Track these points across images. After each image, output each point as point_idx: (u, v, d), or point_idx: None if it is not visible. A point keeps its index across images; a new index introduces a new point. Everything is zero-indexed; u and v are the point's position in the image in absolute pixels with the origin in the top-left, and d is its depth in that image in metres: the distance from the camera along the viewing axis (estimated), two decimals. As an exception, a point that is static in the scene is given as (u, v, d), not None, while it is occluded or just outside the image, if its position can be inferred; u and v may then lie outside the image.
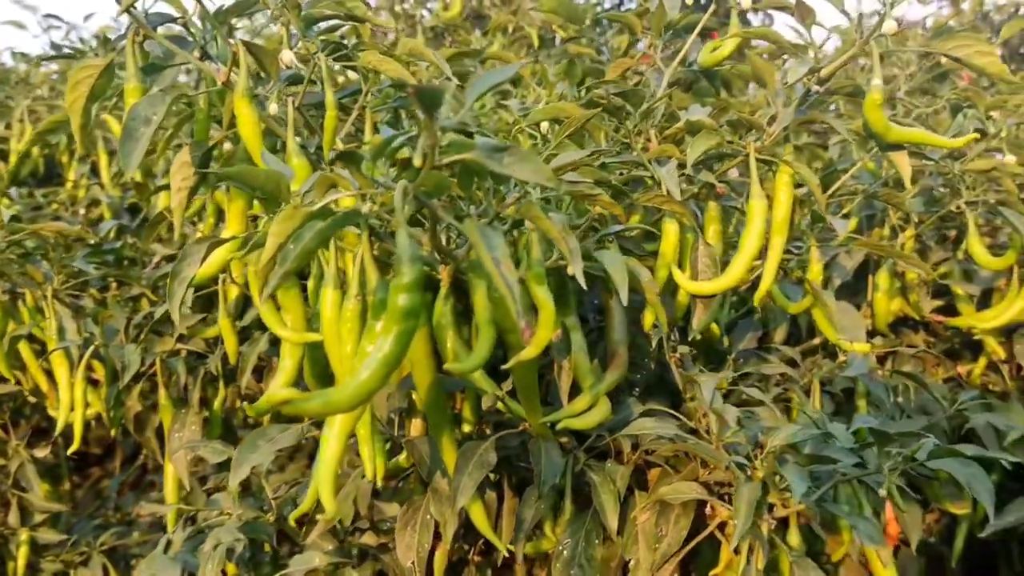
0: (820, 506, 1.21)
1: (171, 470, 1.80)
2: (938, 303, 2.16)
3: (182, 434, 1.78)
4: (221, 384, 1.83)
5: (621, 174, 1.33)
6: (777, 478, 1.21)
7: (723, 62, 1.57)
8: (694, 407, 1.28)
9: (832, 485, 1.23)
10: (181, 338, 1.84)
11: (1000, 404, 2.15)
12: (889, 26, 1.17)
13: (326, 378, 1.17)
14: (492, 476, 1.29)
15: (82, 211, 2.76)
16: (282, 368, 1.19)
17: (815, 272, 1.64)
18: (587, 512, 1.27)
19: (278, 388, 1.18)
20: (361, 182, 0.89)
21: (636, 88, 1.41)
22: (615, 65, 1.63)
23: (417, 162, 0.80)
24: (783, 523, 1.26)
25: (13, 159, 2.87)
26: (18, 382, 1.94)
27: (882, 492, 1.21)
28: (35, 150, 2.95)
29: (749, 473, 1.17)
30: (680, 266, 1.34)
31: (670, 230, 1.31)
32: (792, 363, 1.68)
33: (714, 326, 1.63)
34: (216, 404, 1.85)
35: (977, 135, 1.26)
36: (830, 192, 1.68)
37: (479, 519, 1.23)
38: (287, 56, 1.25)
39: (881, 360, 2.22)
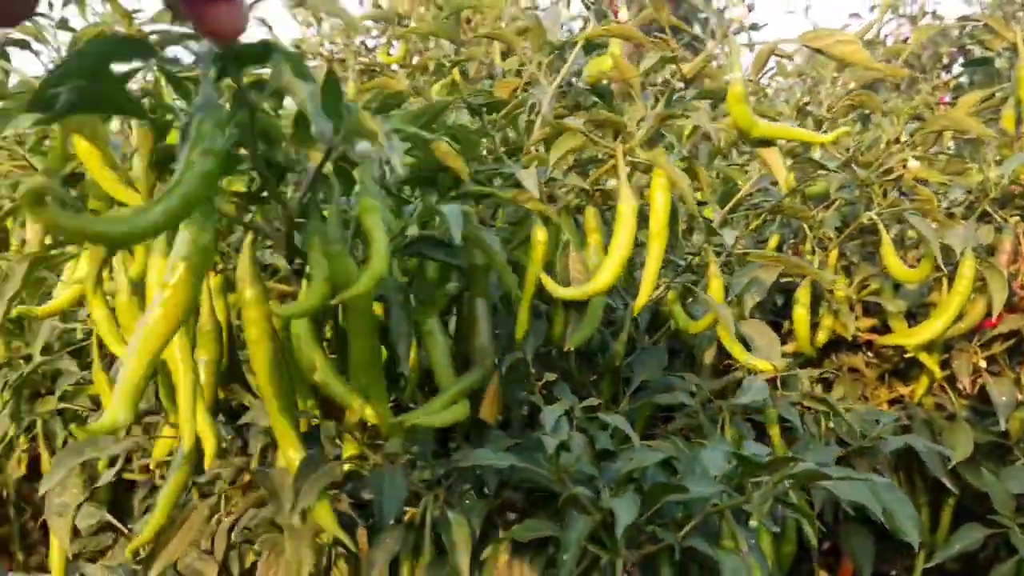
0: (685, 541, 1.15)
1: (54, 539, 1.74)
2: (873, 322, 2.12)
3: (63, 499, 1.72)
4: (106, 444, 1.78)
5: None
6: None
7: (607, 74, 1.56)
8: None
9: (703, 518, 1.18)
10: (64, 397, 1.80)
11: (946, 425, 2.11)
12: (739, 12, 1.17)
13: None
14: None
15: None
16: (116, 396, 1.14)
17: (715, 287, 1.61)
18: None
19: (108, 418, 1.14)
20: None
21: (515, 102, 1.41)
22: (502, 84, 1.62)
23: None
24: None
25: (-48, 226, 2.88)
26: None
27: (752, 524, 1.16)
28: (-24, 218, 2.97)
29: (595, 503, 1.12)
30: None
31: (539, 236, 1.29)
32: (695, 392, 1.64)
33: (618, 348, 1.59)
34: (100, 464, 1.79)
35: (847, 130, 1.23)
36: (729, 206, 1.66)
37: (326, 520, 1.16)
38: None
39: (819, 384, 2.18)
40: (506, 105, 1.37)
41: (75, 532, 1.69)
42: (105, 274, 1.19)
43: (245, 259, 0.98)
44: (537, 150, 1.41)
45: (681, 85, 1.24)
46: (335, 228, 0.91)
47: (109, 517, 1.50)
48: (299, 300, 0.94)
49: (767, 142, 1.26)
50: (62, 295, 1.26)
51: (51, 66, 1.24)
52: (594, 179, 1.32)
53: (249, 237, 0.97)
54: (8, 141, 1.81)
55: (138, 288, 1.13)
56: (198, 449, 1.12)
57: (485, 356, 1.18)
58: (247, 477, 1.24)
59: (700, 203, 1.74)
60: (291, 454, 1.07)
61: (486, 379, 1.19)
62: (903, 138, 1.77)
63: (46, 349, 1.89)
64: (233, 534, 1.23)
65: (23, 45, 1.27)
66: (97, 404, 1.82)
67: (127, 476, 1.92)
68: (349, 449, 1.24)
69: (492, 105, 1.39)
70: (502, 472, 1.25)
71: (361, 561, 1.22)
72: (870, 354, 2.17)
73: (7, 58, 1.28)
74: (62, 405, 1.79)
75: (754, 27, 1.13)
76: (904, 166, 1.86)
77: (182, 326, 0.83)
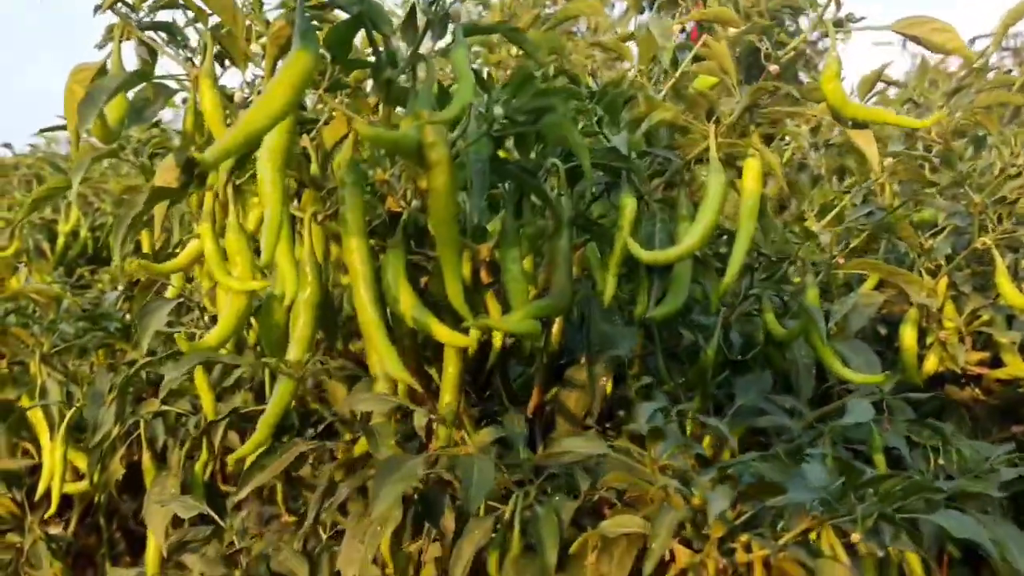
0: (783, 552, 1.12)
1: (151, 537, 1.79)
2: (983, 355, 2.04)
3: (161, 497, 1.77)
4: (204, 444, 1.83)
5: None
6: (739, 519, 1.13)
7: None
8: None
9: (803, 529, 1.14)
10: (166, 398, 1.85)
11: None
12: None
13: (281, 344, 1.23)
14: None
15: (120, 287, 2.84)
16: (221, 320, 1.22)
17: (811, 296, 1.58)
18: (541, 552, 1.21)
19: (212, 336, 1.21)
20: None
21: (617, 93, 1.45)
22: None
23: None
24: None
25: (60, 240, 3.04)
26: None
27: (854, 537, 1.12)
28: (83, 232, 3.14)
29: (687, 499, 1.10)
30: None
31: (627, 204, 1.33)
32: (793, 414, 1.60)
33: (709, 352, 1.58)
34: (197, 465, 1.85)
35: (944, 114, 1.21)
36: (828, 218, 1.64)
37: None
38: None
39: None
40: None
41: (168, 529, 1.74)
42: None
43: (347, 149, 1.08)
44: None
45: (775, 68, 1.25)
46: (426, 96, 1.00)
47: (207, 509, 1.54)
48: (387, 131, 1.03)
49: (860, 125, 1.25)
50: (183, 253, 1.33)
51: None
52: (687, 161, 1.33)
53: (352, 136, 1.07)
54: (125, 153, 1.91)
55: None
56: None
57: (561, 292, 1.25)
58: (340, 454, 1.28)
59: (801, 218, 1.73)
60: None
61: (557, 310, 1.28)
62: (1020, 161, 1.72)
63: (149, 353, 1.96)
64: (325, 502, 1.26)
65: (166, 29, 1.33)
66: (196, 407, 1.88)
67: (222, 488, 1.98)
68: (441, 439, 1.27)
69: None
70: (593, 471, 1.24)
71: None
72: (978, 390, 2.09)
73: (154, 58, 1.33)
74: (164, 407, 1.85)
75: (850, 17, 1.14)
76: (1020, 192, 1.81)
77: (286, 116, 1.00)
